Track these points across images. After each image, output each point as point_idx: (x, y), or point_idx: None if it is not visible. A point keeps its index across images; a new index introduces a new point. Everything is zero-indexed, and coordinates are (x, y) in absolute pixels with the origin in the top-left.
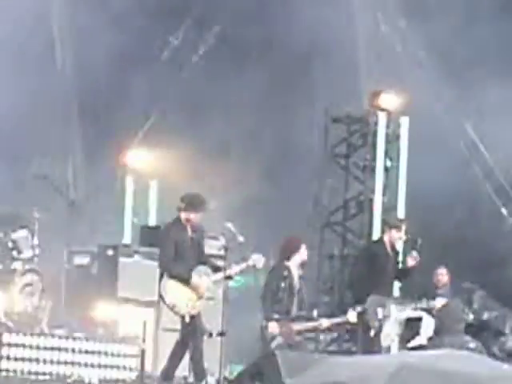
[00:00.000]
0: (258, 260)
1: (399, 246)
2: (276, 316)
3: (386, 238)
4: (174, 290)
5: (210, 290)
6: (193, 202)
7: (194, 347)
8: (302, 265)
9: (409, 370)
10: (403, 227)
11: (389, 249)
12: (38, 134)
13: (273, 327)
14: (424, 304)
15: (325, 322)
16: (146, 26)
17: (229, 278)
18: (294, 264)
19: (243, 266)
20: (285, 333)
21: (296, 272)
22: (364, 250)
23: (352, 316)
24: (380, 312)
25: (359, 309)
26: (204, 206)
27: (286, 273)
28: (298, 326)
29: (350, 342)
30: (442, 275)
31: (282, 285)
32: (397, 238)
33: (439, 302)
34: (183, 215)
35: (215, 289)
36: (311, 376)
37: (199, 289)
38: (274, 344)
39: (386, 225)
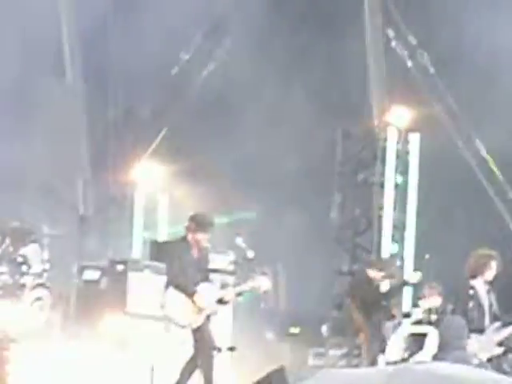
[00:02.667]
0: (263, 282)
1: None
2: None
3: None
4: (175, 302)
5: (211, 307)
6: (201, 223)
7: (202, 361)
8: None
9: (407, 371)
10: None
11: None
12: (47, 149)
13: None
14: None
15: None
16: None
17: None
18: (480, 281)
19: (247, 287)
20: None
21: (483, 288)
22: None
23: None
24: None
25: None
26: (212, 226)
27: (471, 292)
28: (497, 337)
29: (360, 357)
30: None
31: (470, 305)
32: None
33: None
34: (190, 235)
35: (216, 306)
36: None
37: (201, 303)
38: (475, 361)
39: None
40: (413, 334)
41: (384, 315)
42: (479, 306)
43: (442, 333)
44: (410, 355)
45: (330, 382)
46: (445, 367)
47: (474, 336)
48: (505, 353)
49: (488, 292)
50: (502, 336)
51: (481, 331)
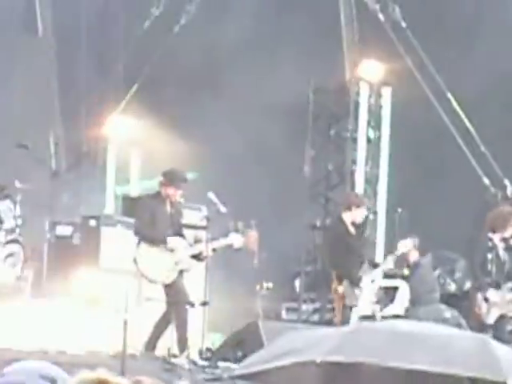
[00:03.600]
0: (236, 240)
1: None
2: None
3: (345, 217)
4: (148, 257)
5: (184, 262)
6: (173, 178)
7: (176, 317)
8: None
9: (363, 329)
10: (365, 204)
11: (350, 227)
12: (19, 105)
13: (492, 295)
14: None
15: None
16: None
17: (204, 257)
18: (498, 236)
19: (222, 243)
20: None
21: (501, 244)
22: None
23: None
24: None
25: None
26: (184, 182)
27: (491, 244)
28: (510, 296)
29: (332, 312)
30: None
31: (489, 257)
32: (359, 218)
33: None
34: (163, 190)
35: (190, 261)
36: (273, 346)
37: (176, 252)
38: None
39: (348, 203)
40: (384, 288)
41: (358, 267)
42: (498, 259)
43: (414, 287)
44: (381, 309)
45: (290, 344)
46: (405, 324)
47: (491, 290)
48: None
49: (505, 249)
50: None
51: (498, 285)
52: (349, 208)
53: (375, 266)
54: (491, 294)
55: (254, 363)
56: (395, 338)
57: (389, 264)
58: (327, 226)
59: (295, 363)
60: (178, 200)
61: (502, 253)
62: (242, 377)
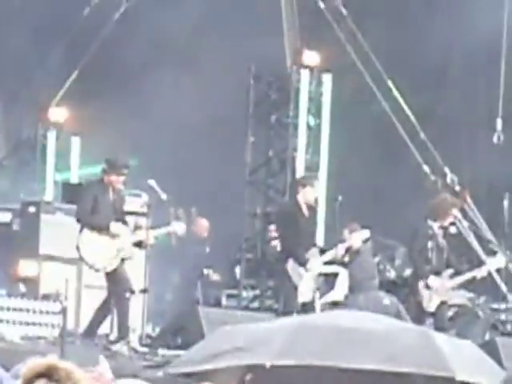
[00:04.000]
0: (178, 228)
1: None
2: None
3: (299, 198)
4: (91, 244)
5: (126, 250)
6: (115, 165)
7: (117, 304)
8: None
9: (307, 328)
10: (316, 184)
11: (304, 208)
12: None
13: (433, 282)
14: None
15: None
16: None
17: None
18: (438, 225)
19: (164, 230)
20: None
21: (440, 232)
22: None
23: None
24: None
25: None
26: (126, 169)
27: (430, 232)
28: (450, 283)
29: (273, 299)
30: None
31: (429, 245)
32: (311, 197)
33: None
34: (105, 177)
35: (132, 249)
36: (214, 341)
37: (118, 239)
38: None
39: (300, 184)
40: (324, 274)
41: (306, 247)
42: (437, 247)
43: (353, 273)
44: (321, 296)
45: (231, 342)
46: (347, 319)
47: (432, 277)
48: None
49: (443, 237)
50: (454, 283)
51: (438, 273)
52: (303, 186)
53: (322, 251)
54: (432, 281)
55: (191, 361)
56: (340, 337)
57: (339, 253)
58: (282, 205)
59: (238, 366)
60: (120, 187)
61: (441, 240)
62: (178, 375)
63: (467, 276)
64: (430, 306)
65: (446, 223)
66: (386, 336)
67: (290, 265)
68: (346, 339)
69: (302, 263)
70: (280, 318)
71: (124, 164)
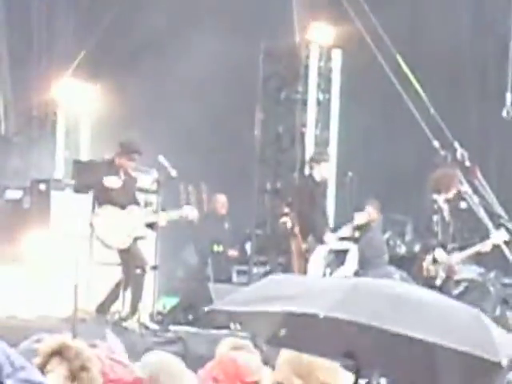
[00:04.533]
0: (190, 212)
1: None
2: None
3: (315, 174)
4: (105, 222)
5: (139, 230)
6: (127, 149)
7: (132, 281)
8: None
9: (362, 289)
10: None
11: (320, 185)
12: None
13: (440, 256)
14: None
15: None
16: None
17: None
18: (443, 198)
19: (175, 214)
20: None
21: (446, 205)
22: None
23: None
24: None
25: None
26: (137, 153)
27: (436, 206)
28: (454, 258)
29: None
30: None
31: (434, 219)
32: (326, 173)
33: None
34: (117, 160)
35: (146, 229)
36: (263, 286)
37: (132, 219)
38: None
39: (314, 160)
40: (335, 251)
41: (324, 223)
42: (443, 221)
43: (363, 249)
44: (331, 272)
45: (280, 290)
46: (402, 287)
47: (438, 251)
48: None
49: (450, 211)
50: (459, 257)
51: (444, 247)
52: (318, 162)
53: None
54: (438, 255)
55: (236, 302)
56: (395, 301)
57: (347, 232)
58: (299, 181)
59: (290, 313)
60: (131, 171)
61: (446, 214)
62: (220, 313)
63: (472, 250)
64: (437, 280)
65: (450, 195)
66: (439, 308)
67: (310, 241)
68: (400, 305)
69: (320, 239)
70: (331, 278)
71: (136, 149)
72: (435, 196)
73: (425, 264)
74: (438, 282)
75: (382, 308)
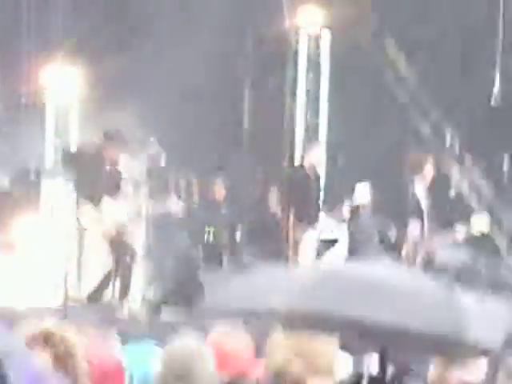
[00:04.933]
0: (173, 206)
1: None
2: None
3: (306, 162)
4: (91, 212)
5: (124, 220)
6: (113, 139)
7: (118, 269)
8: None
9: (332, 277)
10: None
11: (311, 172)
12: None
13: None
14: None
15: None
16: None
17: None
18: (417, 181)
19: (162, 209)
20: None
21: (421, 189)
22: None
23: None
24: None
25: None
26: (124, 143)
27: (411, 189)
28: (433, 242)
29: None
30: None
31: (412, 202)
32: (316, 160)
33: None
34: (103, 151)
35: (131, 219)
36: (237, 287)
37: (117, 206)
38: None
39: (305, 148)
40: (323, 241)
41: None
42: (419, 205)
43: (353, 234)
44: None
45: (251, 288)
46: (375, 272)
47: (415, 234)
48: None
49: (427, 191)
50: (436, 242)
51: (422, 231)
52: (308, 150)
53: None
54: (414, 238)
55: (226, 302)
56: (363, 289)
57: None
58: (292, 169)
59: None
60: (118, 161)
61: (423, 198)
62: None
63: (449, 236)
64: (416, 263)
65: (426, 179)
66: (410, 290)
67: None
68: (369, 292)
69: (313, 225)
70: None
71: (122, 139)
72: (411, 178)
73: (405, 246)
74: (419, 264)
75: (351, 296)
